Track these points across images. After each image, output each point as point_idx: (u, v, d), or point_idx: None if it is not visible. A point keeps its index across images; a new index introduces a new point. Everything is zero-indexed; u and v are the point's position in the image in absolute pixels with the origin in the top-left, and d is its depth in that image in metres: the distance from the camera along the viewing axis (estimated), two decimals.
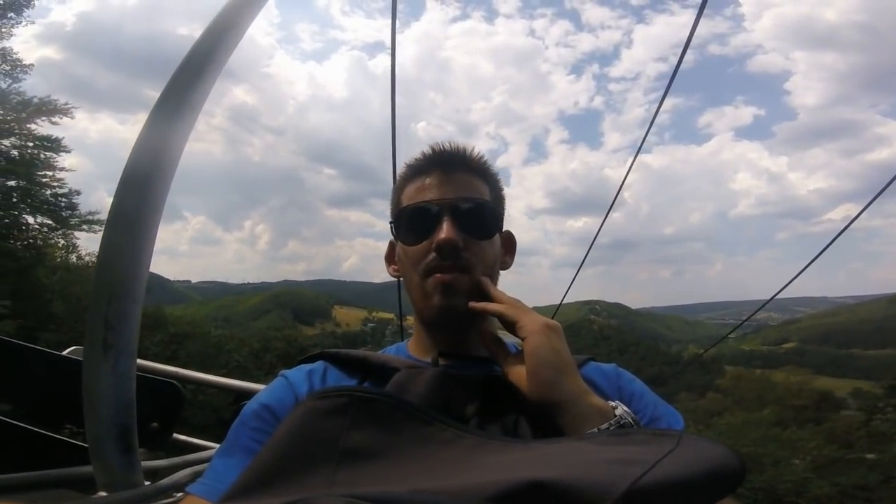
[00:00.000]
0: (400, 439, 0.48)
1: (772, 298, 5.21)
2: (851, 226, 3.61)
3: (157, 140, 0.71)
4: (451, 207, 0.75)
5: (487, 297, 0.76)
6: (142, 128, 0.71)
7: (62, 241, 17.99)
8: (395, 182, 0.88)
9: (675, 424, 0.72)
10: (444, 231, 0.73)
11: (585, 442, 0.47)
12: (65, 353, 1.58)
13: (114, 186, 0.70)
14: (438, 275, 0.73)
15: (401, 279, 0.85)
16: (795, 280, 4.08)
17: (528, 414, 0.62)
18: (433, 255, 0.74)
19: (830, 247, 3.66)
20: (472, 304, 0.72)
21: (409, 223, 0.78)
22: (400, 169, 0.87)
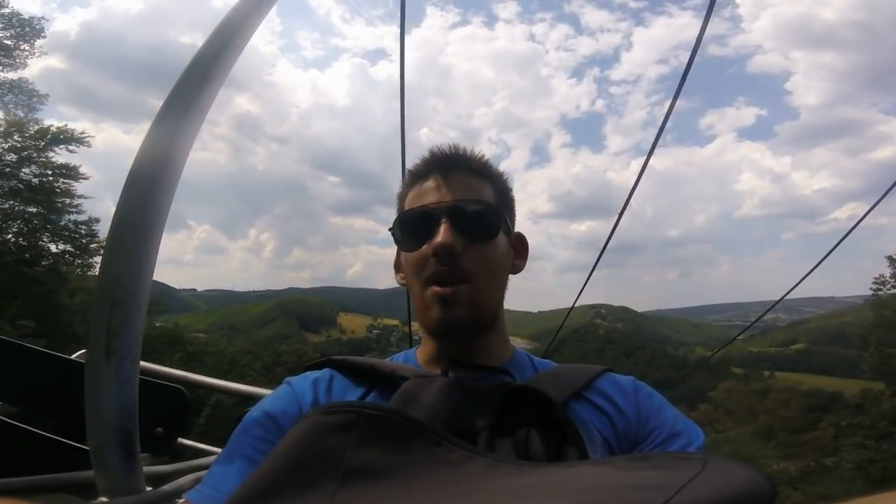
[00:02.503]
0: (407, 459, 0.46)
1: (781, 299, 5.16)
2: (858, 225, 3.59)
3: (161, 146, 0.71)
4: (448, 210, 0.73)
5: (491, 311, 0.75)
6: (146, 134, 0.71)
7: (79, 266, 18.67)
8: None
9: (695, 440, 0.68)
10: (441, 235, 0.71)
11: (605, 467, 0.45)
12: (73, 356, 1.59)
13: (119, 195, 0.70)
14: (437, 287, 0.71)
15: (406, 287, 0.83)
16: (803, 281, 4.05)
17: (540, 427, 0.61)
18: (432, 261, 0.72)
19: (838, 247, 3.64)
20: None
21: (408, 229, 0.77)
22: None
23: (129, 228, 0.69)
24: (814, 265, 3.85)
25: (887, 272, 20.46)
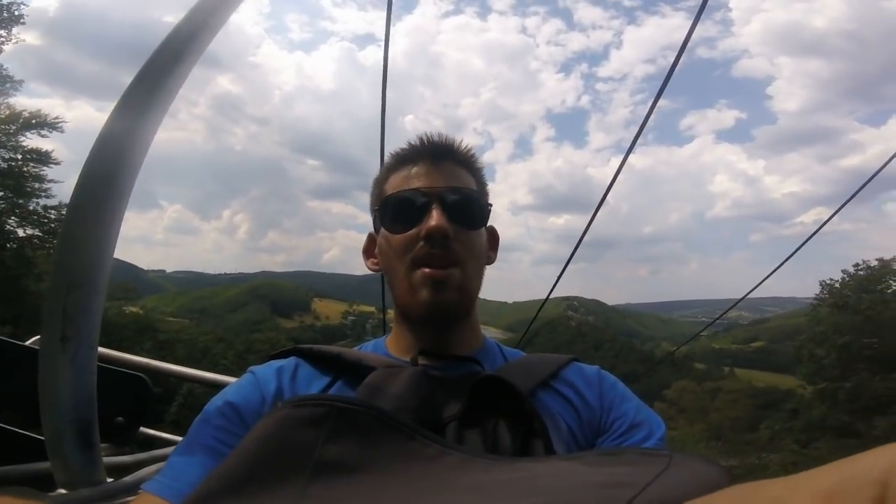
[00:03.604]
0: (379, 454, 0.46)
1: (743, 298, 5.36)
2: (822, 229, 3.74)
3: (126, 126, 0.68)
4: (440, 196, 0.74)
5: (474, 298, 0.76)
6: (110, 114, 0.68)
7: (48, 249, 18.40)
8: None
9: (657, 430, 0.70)
10: (435, 218, 0.71)
11: (574, 462, 0.46)
12: (28, 342, 1.52)
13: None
14: (428, 269, 0.71)
15: (381, 273, 0.83)
16: (767, 281, 4.21)
17: (508, 417, 0.61)
18: (421, 244, 0.72)
19: (801, 249, 3.79)
20: None
21: (396, 211, 0.76)
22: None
23: (88, 210, 0.65)
24: (776, 266, 4.00)
25: (864, 261, 21.32)
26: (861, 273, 20.90)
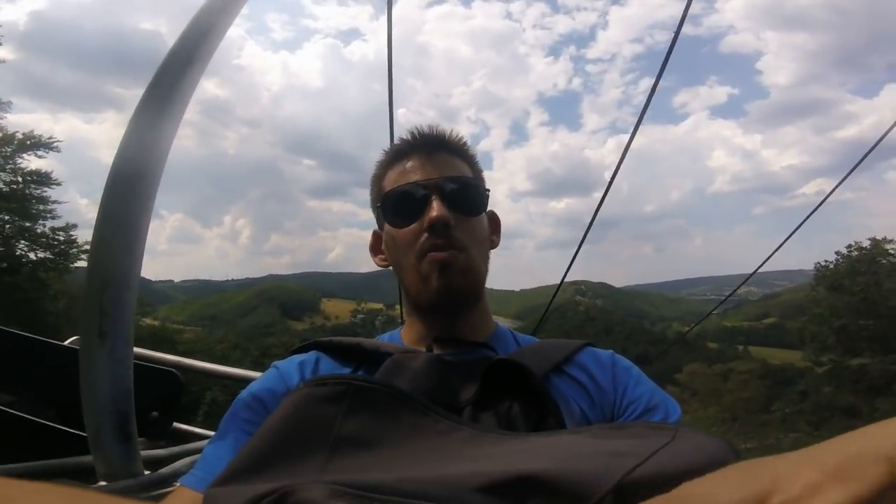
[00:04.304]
0: (394, 428, 0.48)
1: (753, 273, 5.34)
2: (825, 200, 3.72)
3: (146, 131, 0.70)
4: (438, 187, 0.76)
5: (481, 283, 0.77)
6: (132, 117, 0.71)
7: (60, 270, 18.61)
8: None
9: (673, 413, 0.70)
10: (435, 209, 0.73)
11: (582, 435, 0.47)
12: (66, 342, 1.56)
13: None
14: (433, 254, 0.73)
15: (390, 268, 0.84)
16: (774, 254, 4.20)
17: (521, 400, 0.62)
18: (425, 235, 0.74)
19: (806, 221, 3.77)
20: None
21: (397, 206, 0.78)
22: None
23: (118, 211, 0.69)
24: (783, 239, 3.99)
25: (857, 242, 21.23)
26: (854, 254, 20.81)
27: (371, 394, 0.50)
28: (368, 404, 0.49)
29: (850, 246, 21.12)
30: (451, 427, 0.49)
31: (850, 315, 19.15)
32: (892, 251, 20.51)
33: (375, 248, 0.88)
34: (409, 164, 0.79)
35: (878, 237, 20.66)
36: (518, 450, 0.45)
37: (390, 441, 0.47)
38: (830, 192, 3.67)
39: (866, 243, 20.79)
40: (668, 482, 0.30)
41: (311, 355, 0.77)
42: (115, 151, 0.68)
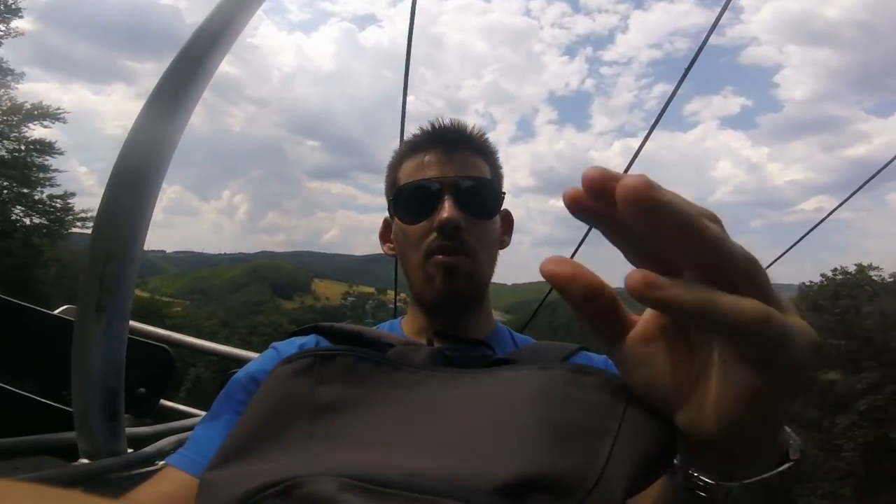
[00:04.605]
0: (368, 386, 0.48)
1: None
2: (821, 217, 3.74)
3: (160, 111, 0.70)
4: (452, 186, 0.74)
5: (486, 286, 0.77)
6: (148, 97, 0.70)
7: (54, 236, 18.82)
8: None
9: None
10: (446, 210, 0.71)
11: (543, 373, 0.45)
12: (56, 311, 1.52)
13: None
14: (440, 256, 0.72)
15: (396, 258, 0.83)
16: (768, 269, 4.23)
17: None
18: (434, 235, 0.73)
19: (800, 236, 3.79)
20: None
21: (409, 201, 0.77)
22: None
23: (126, 186, 0.67)
24: (779, 253, 4.01)
25: (842, 266, 21.82)
26: (838, 278, 21.29)
27: (339, 359, 0.51)
28: (339, 369, 0.50)
29: (835, 270, 21.67)
30: (425, 376, 0.50)
31: (826, 334, 19.58)
32: (875, 277, 21.08)
33: (385, 236, 0.87)
34: (427, 157, 0.77)
35: (872, 260, 21.17)
36: (496, 392, 0.46)
37: (366, 399, 0.47)
38: (833, 211, 3.65)
39: (853, 268, 21.30)
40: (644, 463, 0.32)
41: (310, 339, 0.77)
42: (125, 124, 0.67)
